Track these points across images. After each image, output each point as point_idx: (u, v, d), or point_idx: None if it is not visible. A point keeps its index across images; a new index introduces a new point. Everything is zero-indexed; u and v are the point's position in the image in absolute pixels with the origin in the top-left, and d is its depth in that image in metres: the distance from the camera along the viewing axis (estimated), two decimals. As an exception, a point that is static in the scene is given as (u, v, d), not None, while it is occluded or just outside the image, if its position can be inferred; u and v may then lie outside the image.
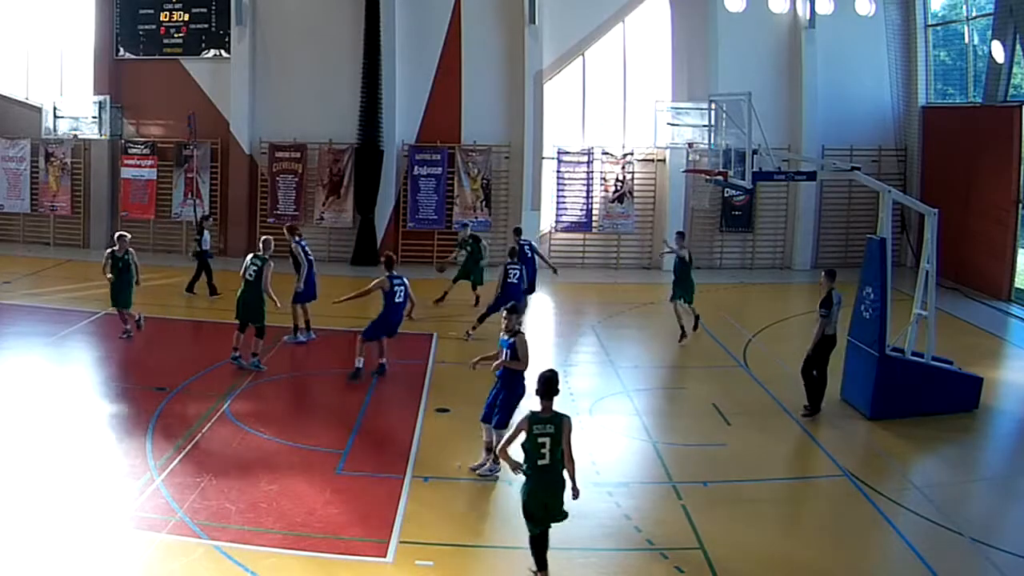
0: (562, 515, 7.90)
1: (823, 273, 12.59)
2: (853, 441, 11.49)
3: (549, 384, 7.85)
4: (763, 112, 12.97)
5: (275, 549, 8.41)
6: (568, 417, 7.83)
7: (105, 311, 17.16)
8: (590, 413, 12.55)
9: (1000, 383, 14.11)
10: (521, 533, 9.06)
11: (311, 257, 15.54)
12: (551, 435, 7.65)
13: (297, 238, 15.63)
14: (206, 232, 18.82)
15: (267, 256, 13.73)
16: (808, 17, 22.75)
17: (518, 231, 18.22)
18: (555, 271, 18.94)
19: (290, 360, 14.68)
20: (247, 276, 13.68)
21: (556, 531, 9.15)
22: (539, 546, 7.96)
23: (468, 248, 18.64)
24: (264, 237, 14.36)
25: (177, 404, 12.13)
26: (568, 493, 7.82)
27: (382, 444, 11.30)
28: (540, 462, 7.68)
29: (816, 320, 12.33)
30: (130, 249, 15.13)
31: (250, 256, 13.91)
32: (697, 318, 16.38)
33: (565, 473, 7.79)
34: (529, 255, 17.33)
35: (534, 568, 8.00)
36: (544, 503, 7.78)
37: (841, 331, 12.67)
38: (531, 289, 17.41)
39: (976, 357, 14.60)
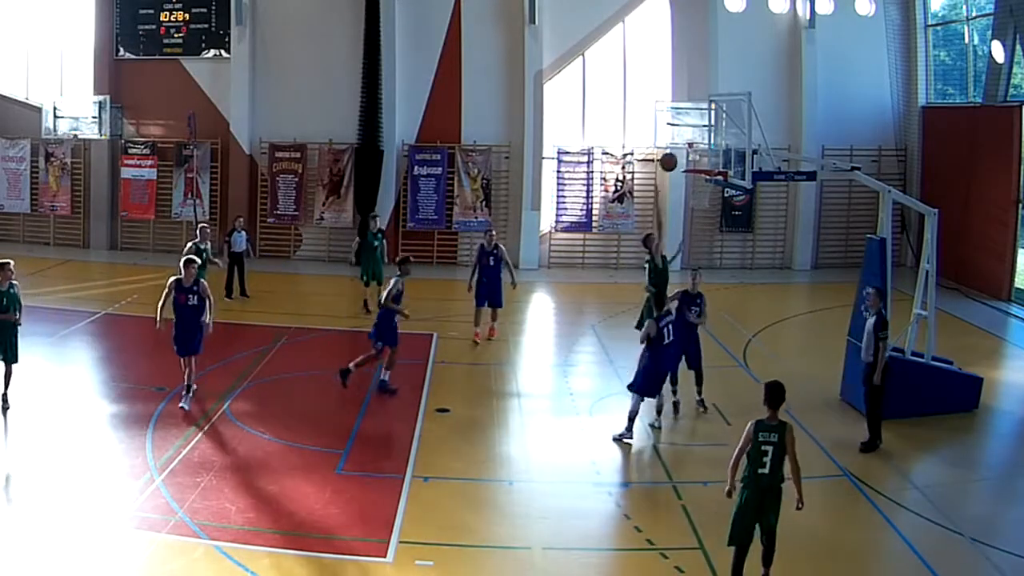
0: (769, 533, 7.71)
1: (873, 290, 11.51)
2: (853, 441, 11.46)
3: (775, 392, 7.77)
4: (763, 112, 12.94)
5: (275, 549, 8.41)
6: (791, 426, 7.76)
7: (105, 311, 17.18)
8: (590, 413, 12.55)
9: (1000, 383, 14.10)
10: (521, 532, 9.10)
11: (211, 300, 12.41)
12: (774, 444, 7.61)
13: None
14: (236, 233, 18.41)
15: (204, 245, 15.88)
16: (808, 17, 22.72)
17: (489, 233, 16.34)
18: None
19: (290, 360, 14.66)
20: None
21: (557, 531, 9.18)
22: (737, 563, 7.78)
23: (376, 243, 17.53)
24: (201, 224, 16.63)
25: (177, 404, 12.11)
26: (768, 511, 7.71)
27: (382, 444, 11.29)
28: (760, 471, 7.63)
29: (868, 345, 11.23)
30: (14, 282, 11.91)
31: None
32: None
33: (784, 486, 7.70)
34: (491, 263, 15.71)
35: None
36: (755, 516, 7.67)
37: (841, 332, 12.63)
38: (496, 301, 15.88)
39: (976, 357, 14.59)
